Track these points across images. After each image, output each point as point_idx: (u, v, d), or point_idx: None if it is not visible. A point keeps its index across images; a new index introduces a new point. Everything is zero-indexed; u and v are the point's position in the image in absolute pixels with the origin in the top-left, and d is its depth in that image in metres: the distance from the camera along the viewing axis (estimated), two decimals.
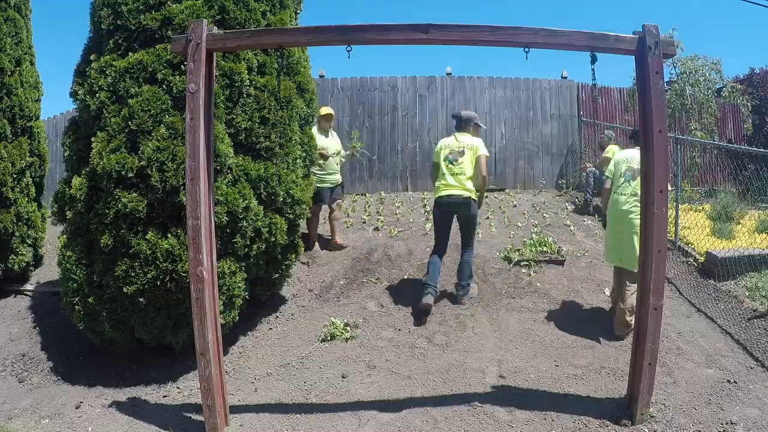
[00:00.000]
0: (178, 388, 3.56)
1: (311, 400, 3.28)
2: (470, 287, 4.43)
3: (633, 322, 3.36)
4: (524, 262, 4.94)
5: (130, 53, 3.67)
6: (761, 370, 3.45)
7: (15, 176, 5.08)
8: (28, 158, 5.25)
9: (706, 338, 3.87)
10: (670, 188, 3.62)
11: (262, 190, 3.87)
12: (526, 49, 2.88)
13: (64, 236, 3.83)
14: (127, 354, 3.86)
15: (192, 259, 2.83)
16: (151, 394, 3.49)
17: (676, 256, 5.30)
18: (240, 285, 3.74)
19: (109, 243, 3.46)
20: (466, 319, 4.16)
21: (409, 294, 4.55)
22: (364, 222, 6.28)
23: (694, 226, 5.72)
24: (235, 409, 3.15)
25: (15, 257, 5.13)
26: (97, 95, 3.69)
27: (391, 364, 3.66)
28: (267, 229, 3.90)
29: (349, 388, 3.41)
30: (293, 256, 4.52)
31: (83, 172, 3.73)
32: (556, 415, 3.00)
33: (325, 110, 5.49)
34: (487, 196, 7.51)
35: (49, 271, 5.50)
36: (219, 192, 3.48)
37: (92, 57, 3.86)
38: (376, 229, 5.99)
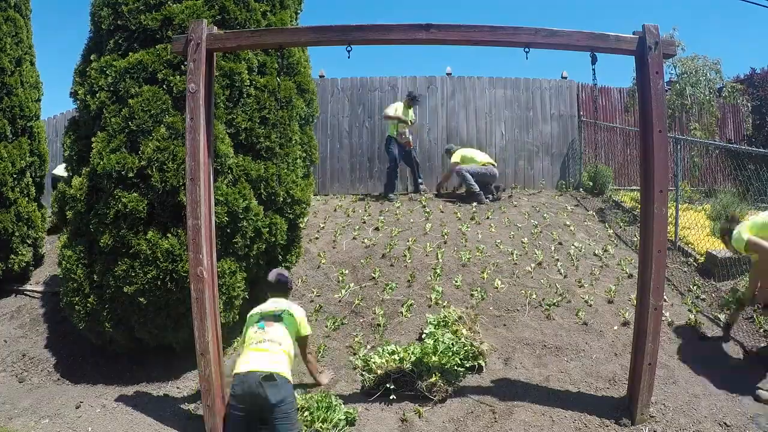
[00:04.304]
0: (178, 388, 3.56)
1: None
2: None
3: None
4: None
5: (130, 53, 3.68)
6: (762, 369, 3.45)
7: (15, 176, 5.08)
8: (28, 158, 5.26)
9: (706, 338, 3.87)
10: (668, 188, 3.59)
11: (262, 190, 3.87)
12: (527, 49, 2.89)
13: (64, 236, 3.83)
14: (127, 354, 3.86)
15: (192, 259, 2.83)
16: (151, 393, 3.49)
17: (676, 256, 5.30)
18: (240, 285, 3.74)
19: (109, 243, 3.47)
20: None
21: (409, 294, 4.55)
22: (364, 222, 6.28)
23: (694, 226, 5.72)
24: None
25: (15, 257, 5.13)
26: (98, 95, 3.69)
27: None
28: (267, 229, 3.91)
29: (351, 386, 3.41)
30: (293, 256, 4.52)
31: (83, 172, 3.73)
32: (556, 414, 3.00)
33: None
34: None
35: (49, 271, 5.50)
36: (219, 192, 3.48)
37: (92, 57, 3.86)
38: (376, 229, 5.99)
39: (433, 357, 3.37)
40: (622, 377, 3.30)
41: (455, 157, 7.25)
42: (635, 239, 5.52)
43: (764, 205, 5.81)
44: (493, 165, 7.25)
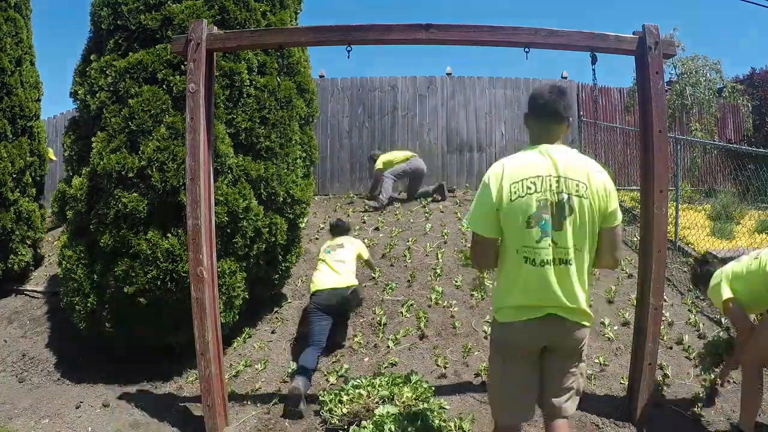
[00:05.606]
0: (178, 388, 3.56)
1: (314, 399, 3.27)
2: None
3: None
4: None
5: (130, 53, 3.67)
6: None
7: (15, 176, 5.08)
8: (28, 158, 5.26)
9: (706, 338, 3.86)
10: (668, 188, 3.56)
11: (262, 190, 3.87)
12: (526, 49, 2.89)
13: (64, 236, 3.84)
14: (127, 354, 3.86)
15: (192, 259, 2.83)
16: (152, 393, 3.49)
17: (676, 256, 5.30)
18: (240, 285, 3.74)
19: (109, 243, 3.47)
20: (468, 319, 4.16)
21: (409, 294, 4.55)
22: (364, 222, 6.28)
23: (694, 226, 5.72)
24: (236, 409, 3.15)
25: (15, 257, 5.13)
26: (98, 95, 3.69)
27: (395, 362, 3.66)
28: (267, 229, 3.91)
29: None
30: (293, 256, 4.52)
31: (83, 172, 3.73)
32: None
33: None
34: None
35: (49, 271, 5.50)
36: (219, 192, 3.48)
37: (92, 57, 3.86)
38: (377, 229, 5.99)
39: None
40: (622, 377, 3.30)
41: (378, 164, 7.15)
42: (635, 239, 5.52)
43: (764, 204, 5.82)
44: (415, 156, 7.15)
